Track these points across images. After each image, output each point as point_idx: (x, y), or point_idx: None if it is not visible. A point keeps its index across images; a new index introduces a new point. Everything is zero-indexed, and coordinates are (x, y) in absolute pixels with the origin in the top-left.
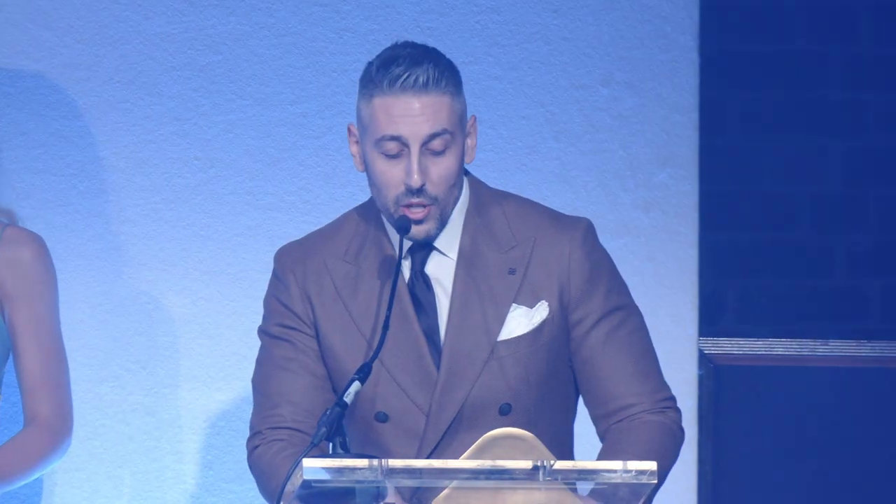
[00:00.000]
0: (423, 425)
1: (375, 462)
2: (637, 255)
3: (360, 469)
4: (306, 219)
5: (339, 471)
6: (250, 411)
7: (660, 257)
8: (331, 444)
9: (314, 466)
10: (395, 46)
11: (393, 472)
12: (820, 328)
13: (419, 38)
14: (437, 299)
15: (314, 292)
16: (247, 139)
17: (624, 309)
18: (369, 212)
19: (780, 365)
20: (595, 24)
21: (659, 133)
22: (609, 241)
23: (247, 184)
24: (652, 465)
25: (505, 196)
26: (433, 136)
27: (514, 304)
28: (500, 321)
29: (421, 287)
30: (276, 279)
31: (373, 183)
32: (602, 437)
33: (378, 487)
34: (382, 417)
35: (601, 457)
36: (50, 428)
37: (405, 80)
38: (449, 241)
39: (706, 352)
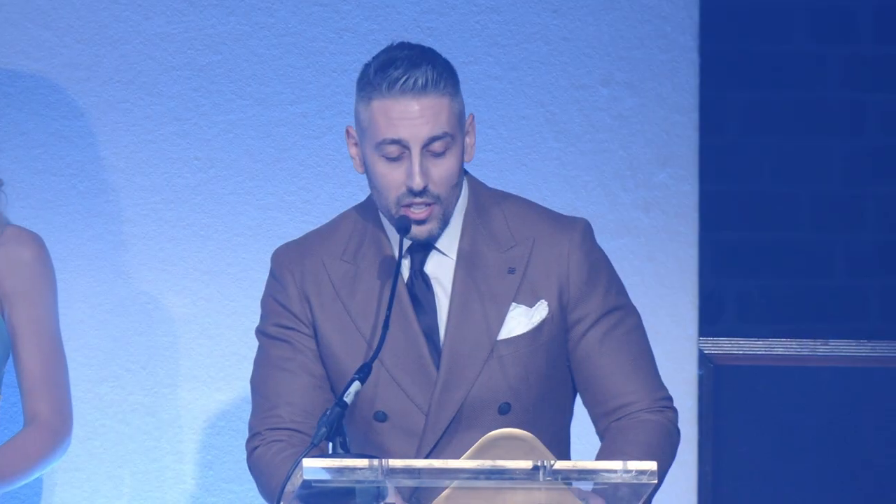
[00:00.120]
0: (422, 425)
1: (376, 462)
2: (637, 254)
3: (361, 469)
4: (306, 219)
5: (340, 471)
6: (250, 412)
7: (660, 257)
8: (331, 444)
9: (314, 466)
10: (391, 48)
11: (393, 472)
12: (820, 328)
13: (419, 39)
14: (437, 299)
15: (312, 292)
16: (247, 139)
17: (622, 309)
18: (367, 211)
19: (780, 365)
20: (595, 24)
21: (659, 133)
22: (609, 241)
23: (247, 184)
24: (652, 466)
25: (504, 196)
26: (433, 139)
27: (513, 304)
28: (500, 320)
29: (420, 286)
30: (274, 279)
31: (373, 185)
32: (601, 436)
33: (378, 487)
34: (381, 417)
35: (600, 455)
36: (50, 428)
37: (404, 82)
38: (448, 241)
39: (706, 352)
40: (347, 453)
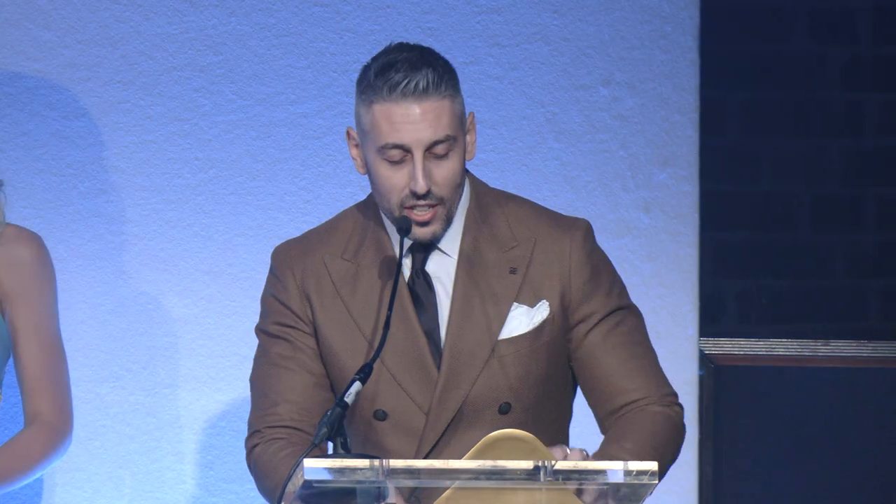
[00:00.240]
0: (422, 424)
1: (376, 462)
2: (637, 255)
3: (361, 469)
4: (307, 219)
5: (340, 471)
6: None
7: (660, 257)
8: (331, 445)
9: (315, 466)
10: (390, 50)
11: (394, 472)
12: (820, 328)
13: (420, 39)
14: (438, 298)
15: (313, 290)
16: (247, 139)
17: (625, 308)
18: (368, 209)
19: (781, 365)
20: (595, 24)
21: (659, 133)
22: (609, 241)
23: (247, 184)
24: (653, 466)
25: (505, 196)
26: (436, 143)
27: (515, 303)
28: (502, 320)
29: (422, 286)
30: (274, 277)
31: (376, 187)
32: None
33: (379, 487)
34: (381, 416)
35: (604, 444)
36: (50, 427)
37: (405, 86)
38: (450, 241)
39: (706, 352)
40: (348, 453)
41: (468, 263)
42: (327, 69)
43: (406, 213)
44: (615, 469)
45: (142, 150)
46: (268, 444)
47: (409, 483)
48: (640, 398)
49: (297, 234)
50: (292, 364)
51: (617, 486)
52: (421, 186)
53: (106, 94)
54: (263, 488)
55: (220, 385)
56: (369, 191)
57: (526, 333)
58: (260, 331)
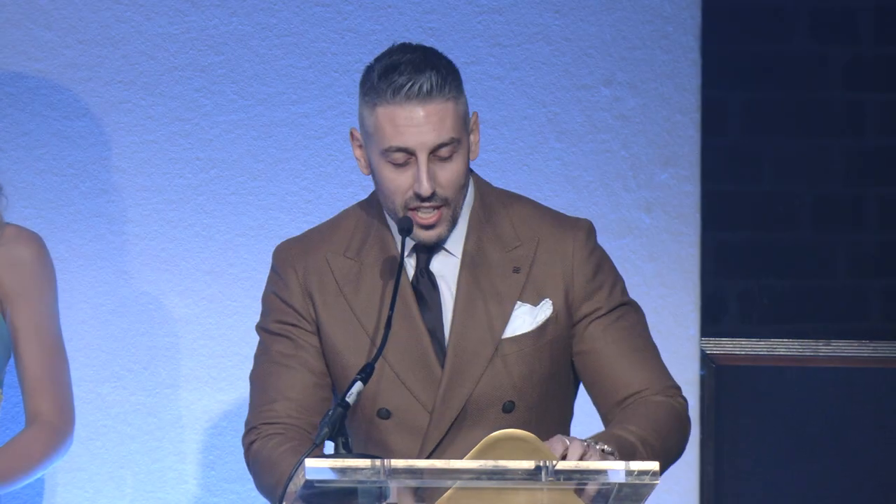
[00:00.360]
0: (426, 422)
1: (378, 462)
2: (639, 255)
3: (363, 469)
4: (308, 219)
5: (342, 471)
6: None
7: (661, 257)
8: (333, 444)
9: (317, 466)
10: (394, 51)
11: (395, 472)
12: (822, 328)
13: (421, 39)
14: (442, 297)
15: (316, 288)
16: (248, 139)
17: (627, 305)
18: (372, 208)
19: (782, 365)
20: (597, 24)
21: (661, 133)
22: (611, 241)
23: (249, 184)
24: (654, 466)
25: (509, 196)
26: (440, 146)
27: (518, 302)
28: (505, 319)
29: (426, 285)
30: (276, 275)
31: (380, 188)
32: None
33: (380, 487)
34: (385, 414)
35: (608, 428)
36: (51, 427)
37: (409, 88)
38: (454, 240)
39: (708, 352)
40: (349, 453)
41: (471, 263)
42: (329, 69)
43: (410, 214)
44: (616, 469)
45: (143, 150)
46: (266, 439)
47: (411, 483)
48: (643, 389)
49: (298, 234)
50: (293, 362)
51: (618, 486)
52: (425, 189)
53: (107, 94)
54: (263, 484)
55: (222, 385)
56: (370, 191)
57: (529, 332)
58: (261, 329)
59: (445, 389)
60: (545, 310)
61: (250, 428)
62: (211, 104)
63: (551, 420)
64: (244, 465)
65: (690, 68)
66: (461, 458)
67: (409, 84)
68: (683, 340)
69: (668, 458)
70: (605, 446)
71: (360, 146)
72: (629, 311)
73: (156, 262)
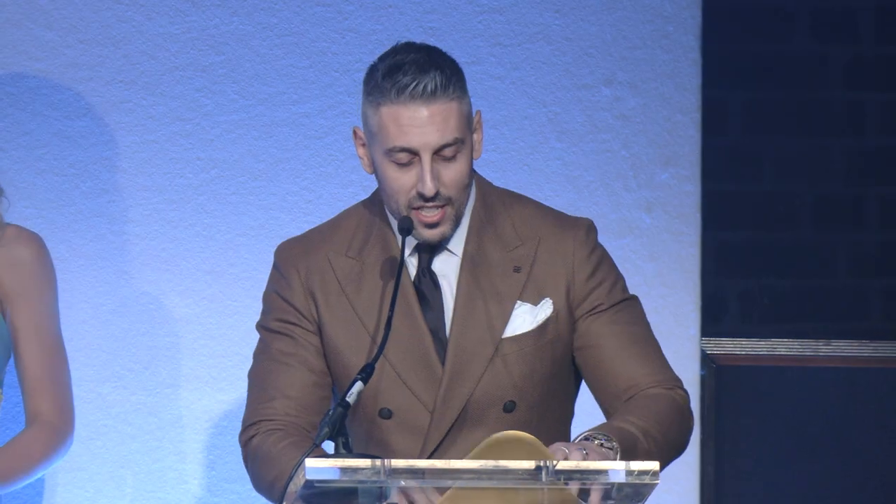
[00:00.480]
0: (427, 422)
1: (378, 462)
2: (639, 254)
3: (363, 469)
4: (309, 219)
5: (342, 471)
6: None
7: (662, 257)
8: (333, 444)
9: (317, 466)
10: (398, 50)
11: (395, 472)
12: (822, 328)
13: (422, 39)
14: (444, 296)
15: (317, 288)
16: (249, 139)
17: (627, 301)
18: (374, 207)
19: (783, 365)
20: (597, 24)
21: (661, 133)
22: (612, 241)
23: (249, 184)
24: (654, 466)
25: (510, 196)
26: (444, 146)
27: (518, 301)
28: (505, 318)
29: (428, 284)
30: (278, 274)
31: (383, 188)
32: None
33: (381, 487)
34: (386, 414)
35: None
36: (52, 427)
37: (413, 88)
38: (456, 239)
39: (708, 352)
40: (350, 453)
41: (472, 263)
42: (329, 69)
43: (414, 213)
44: (617, 469)
45: (144, 149)
46: (266, 434)
47: (411, 483)
48: (644, 383)
49: (298, 234)
50: (293, 360)
51: (619, 486)
52: (429, 189)
53: (108, 93)
54: (261, 480)
55: (222, 385)
56: (371, 191)
57: (530, 331)
58: (261, 327)
59: (446, 389)
60: (546, 309)
61: (248, 424)
62: (212, 104)
63: (552, 419)
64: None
65: (691, 68)
66: (462, 457)
67: (414, 84)
68: (684, 340)
69: (671, 450)
70: (604, 441)
71: (364, 145)
72: (629, 307)
73: (156, 262)
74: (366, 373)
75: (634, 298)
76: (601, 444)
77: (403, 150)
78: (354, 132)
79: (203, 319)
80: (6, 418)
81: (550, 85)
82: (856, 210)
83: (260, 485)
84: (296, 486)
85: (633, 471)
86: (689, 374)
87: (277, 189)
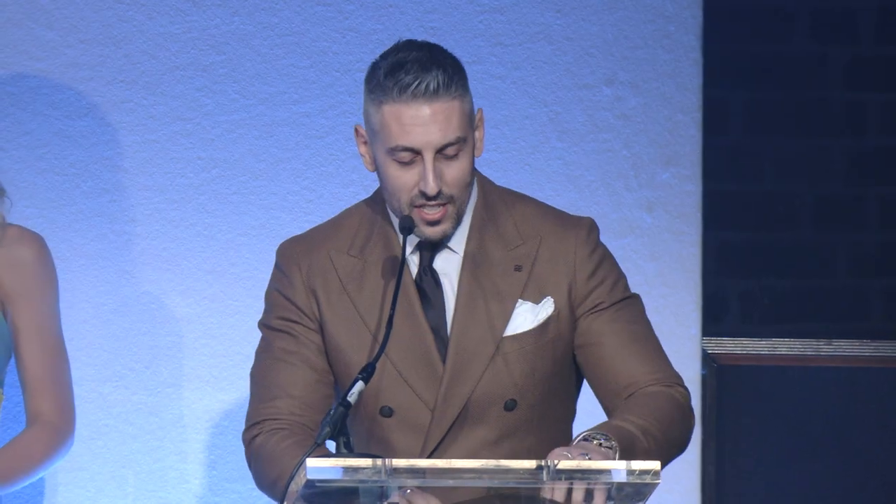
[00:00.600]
0: (427, 420)
1: (379, 462)
2: (640, 254)
3: (364, 469)
4: (310, 218)
5: (343, 470)
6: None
7: (663, 257)
8: (334, 444)
9: (318, 466)
10: (399, 48)
11: (397, 471)
12: (823, 328)
13: (423, 38)
14: (445, 295)
15: (319, 286)
16: (250, 139)
17: (629, 299)
18: (376, 205)
19: (784, 364)
20: (598, 23)
21: (662, 133)
22: (612, 241)
23: (250, 183)
24: (655, 465)
25: (512, 195)
26: (446, 145)
27: (519, 300)
28: (506, 317)
29: (429, 282)
30: (280, 272)
31: (385, 186)
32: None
33: (382, 487)
34: (387, 412)
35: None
36: (52, 427)
37: (415, 87)
38: (457, 238)
39: (709, 351)
40: (351, 453)
41: (473, 262)
42: (330, 68)
43: (415, 211)
44: (618, 469)
45: (145, 149)
46: (269, 434)
47: (412, 482)
48: (643, 381)
49: (299, 233)
50: (295, 359)
51: (620, 485)
52: (431, 188)
53: (109, 93)
54: (263, 480)
55: (224, 384)
56: (372, 191)
57: (531, 330)
58: (263, 325)
59: (447, 387)
60: (547, 308)
61: (252, 424)
62: (213, 103)
63: (553, 418)
64: (246, 464)
65: (692, 68)
66: (463, 456)
67: (416, 83)
68: (685, 340)
69: (671, 448)
70: (603, 440)
71: (365, 143)
72: (630, 305)
73: (157, 262)
74: (367, 372)
75: (636, 297)
76: (600, 444)
77: (406, 149)
78: (356, 130)
79: (204, 319)
80: (7, 418)
81: (551, 84)
82: (856, 210)
83: (262, 483)
84: (297, 485)
85: (635, 470)
86: (690, 374)
87: (278, 189)
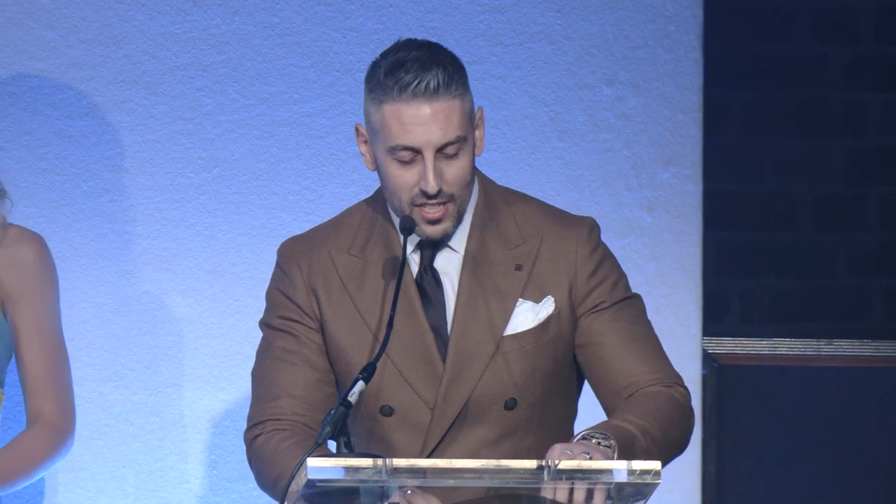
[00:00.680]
0: (428, 419)
1: (379, 461)
2: (641, 254)
3: (365, 468)
4: (310, 218)
5: (344, 470)
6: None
7: (663, 257)
8: (335, 444)
9: (319, 466)
10: (399, 47)
11: (397, 471)
12: (823, 328)
13: (423, 38)
14: (445, 294)
15: (320, 286)
16: (251, 138)
17: (630, 299)
18: (377, 205)
19: (784, 364)
20: (599, 23)
21: (662, 132)
22: (613, 241)
23: (251, 183)
24: (656, 465)
25: (513, 195)
26: (447, 144)
27: (520, 299)
28: (506, 316)
29: (430, 281)
30: (281, 272)
31: (386, 185)
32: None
33: (382, 487)
34: (388, 411)
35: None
36: (53, 427)
37: (416, 86)
38: (458, 237)
39: (710, 351)
40: (352, 453)
41: (473, 261)
42: (331, 68)
43: (416, 210)
44: (619, 469)
45: (145, 149)
46: (270, 434)
47: (413, 482)
48: (643, 380)
49: (300, 232)
50: (296, 358)
51: (620, 485)
52: (432, 187)
53: (109, 93)
54: (264, 479)
55: (224, 384)
56: (372, 191)
57: (531, 329)
58: (264, 324)
59: (447, 387)
60: (547, 307)
61: (254, 423)
62: (213, 103)
63: (554, 418)
64: (246, 464)
65: (692, 67)
66: (463, 455)
67: (416, 82)
68: (685, 340)
69: (671, 448)
70: (602, 440)
71: (366, 142)
72: (631, 305)
73: (158, 262)
74: (367, 372)
75: (636, 297)
76: (599, 443)
77: (406, 148)
78: (356, 129)
79: (205, 319)
80: (7, 418)
81: (552, 84)
82: (856, 210)
83: (263, 483)
84: (297, 485)
85: (636, 470)
86: (691, 374)
87: (279, 188)
